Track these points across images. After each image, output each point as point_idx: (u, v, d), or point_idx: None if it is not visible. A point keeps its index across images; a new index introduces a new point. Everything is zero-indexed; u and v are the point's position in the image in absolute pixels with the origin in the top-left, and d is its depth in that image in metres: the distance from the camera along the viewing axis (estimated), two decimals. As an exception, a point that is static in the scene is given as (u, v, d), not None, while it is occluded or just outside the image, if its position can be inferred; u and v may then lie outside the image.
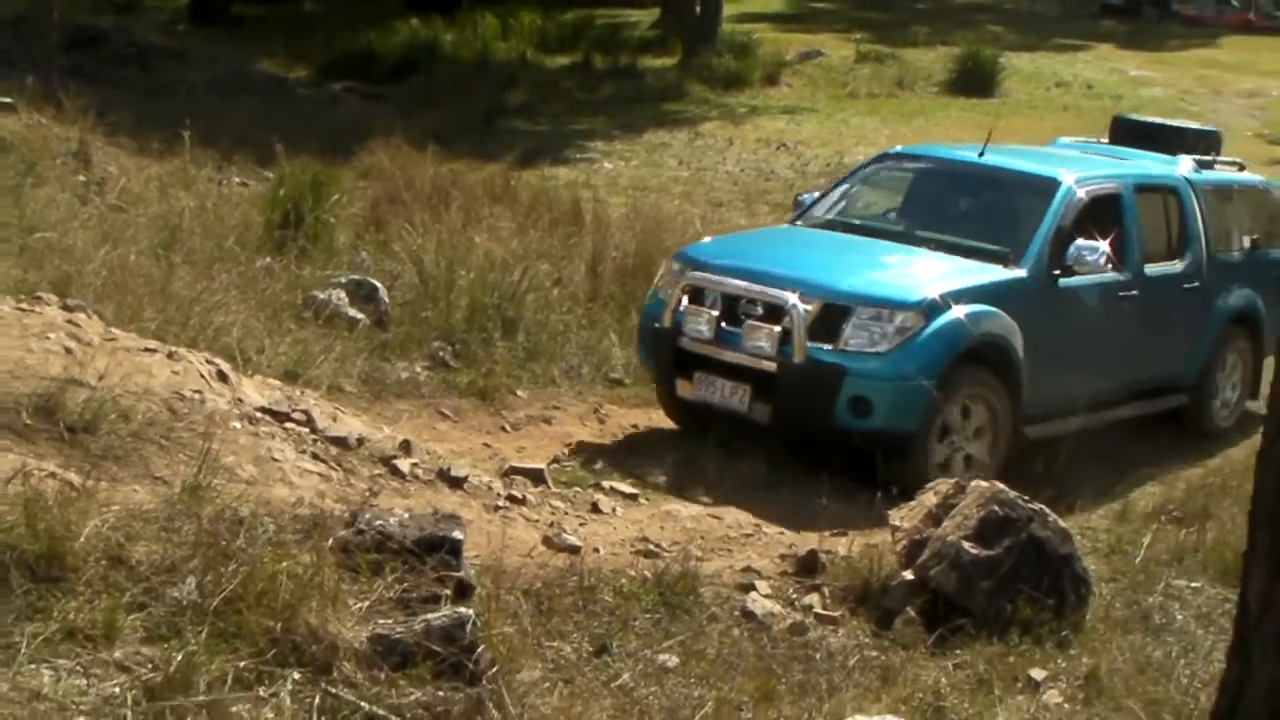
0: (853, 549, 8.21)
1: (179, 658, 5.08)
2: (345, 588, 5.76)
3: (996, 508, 7.93)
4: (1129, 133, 14.77)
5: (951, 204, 12.85)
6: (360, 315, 11.62)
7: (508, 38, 35.14)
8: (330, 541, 5.95)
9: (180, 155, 15.37)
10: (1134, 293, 12.31)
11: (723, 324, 10.78)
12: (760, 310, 10.70)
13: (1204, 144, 14.56)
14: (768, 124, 27.50)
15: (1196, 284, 13.22)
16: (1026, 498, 8.12)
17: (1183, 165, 13.67)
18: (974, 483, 8.34)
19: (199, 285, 10.67)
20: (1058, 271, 11.44)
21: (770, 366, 10.51)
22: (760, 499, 9.73)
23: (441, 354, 11.49)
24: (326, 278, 12.19)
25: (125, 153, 16.56)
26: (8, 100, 17.25)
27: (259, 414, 7.84)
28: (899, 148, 14.58)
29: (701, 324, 10.88)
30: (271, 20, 39.25)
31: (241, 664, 5.22)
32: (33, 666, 4.93)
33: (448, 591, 6.04)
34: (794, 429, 10.70)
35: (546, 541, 7.83)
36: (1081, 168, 12.78)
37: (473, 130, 24.71)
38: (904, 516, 8.25)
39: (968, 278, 11.09)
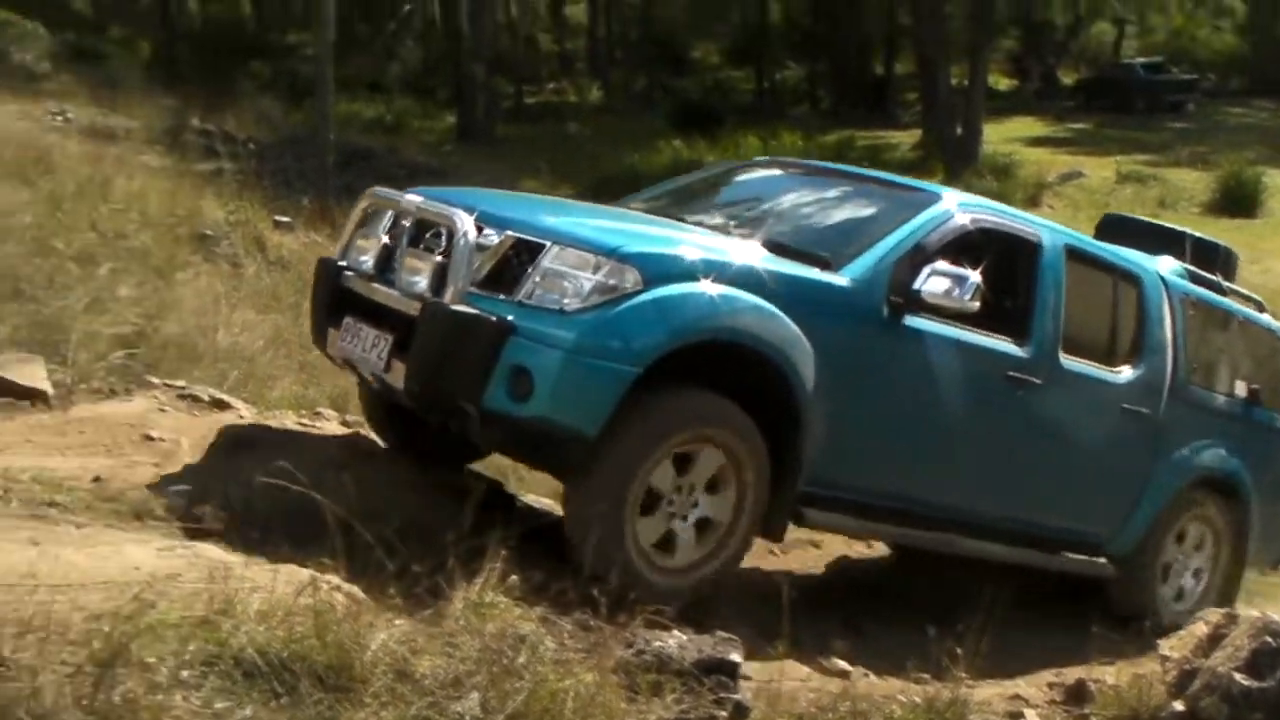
0: (1121, 678, 8.00)
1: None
2: (625, 707, 5.74)
3: (1269, 639, 7.58)
4: (1117, 232, 11.65)
5: (797, 206, 9.72)
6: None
7: (769, 158, 35.31)
8: (611, 662, 5.95)
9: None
10: (1034, 380, 9.15)
11: (391, 255, 8.13)
12: (429, 237, 7.90)
13: (1207, 257, 11.62)
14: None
15: (1144, 411, 10.06)
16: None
17: (1161, 263, 10.68)
18: (1247, 613, 8.00)
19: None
20: (900, 299, 8.33)
21: (416, 310, 7.59)
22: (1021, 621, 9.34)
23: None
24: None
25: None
26: (286, 219, 17.76)
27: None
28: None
29: (367, 253, 8.31)
30: (536, 140, 40.04)
31: (524, 780, 5.22)
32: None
33: (724, 713, 6.05)
34: (432, 402, 7.64)
35: (818, 667, 7.77)
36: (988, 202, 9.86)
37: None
38: (1173, 646, 8.03)
39: (739, 255, 7.93)
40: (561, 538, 7.49)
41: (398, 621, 5.80)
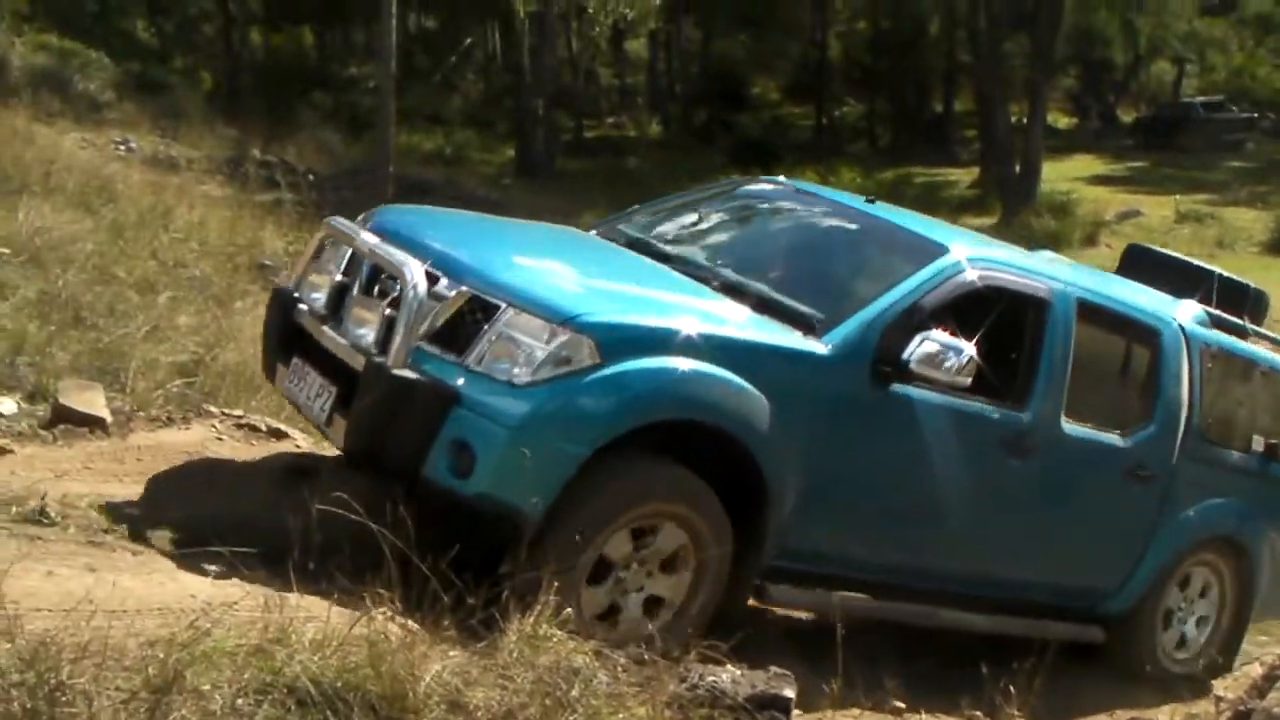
0: (1175, 719, 7.97)
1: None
2: (678, 742, 5.74)
3: (1324, 679, 7.61)
4: (1140, 264, 11.13)
5: (791, 248, 9.20)
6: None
7: (826, 195, 35.31)
8: (664, 696, 5.94)
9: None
10: (1030, 447, 8.65)
11: (344, 295, 7.62)
12: (384, 279, 7.43)
13: (1234, 298, 10.74)
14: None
15: (1150, 473, 9.45)
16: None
17: (1182, 310, 9.93)
18: (1300, 654, 7.97)
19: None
20: (888, 368, 7.79)
21: (360, 365, 7.11)
22: (1074, 661, 9.21)
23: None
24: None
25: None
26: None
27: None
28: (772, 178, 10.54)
29: (321, 289, 7.81)
30: (595, 174, 40.17)
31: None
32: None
33: (776, 747, 6.01)
34: (370, 466, 7.14)
35: (872, 703, 7.73)
36: (997, 249, 9.26)
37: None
38: (1228, 687, 8.06)
39: (714, 325, 7.32)
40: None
41: (452, 653, 5.78)
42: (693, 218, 9.62)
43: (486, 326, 6.84)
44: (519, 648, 6.03)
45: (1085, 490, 9.23)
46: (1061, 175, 45.40)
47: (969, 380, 7.85)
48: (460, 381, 6.75)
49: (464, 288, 7.04)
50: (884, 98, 65.68)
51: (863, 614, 8.06)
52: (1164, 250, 12.54)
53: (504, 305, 6.87)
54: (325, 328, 7.53)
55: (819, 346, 7.63)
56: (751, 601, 7.90)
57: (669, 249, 8.76)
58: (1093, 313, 9.12)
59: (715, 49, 68.64)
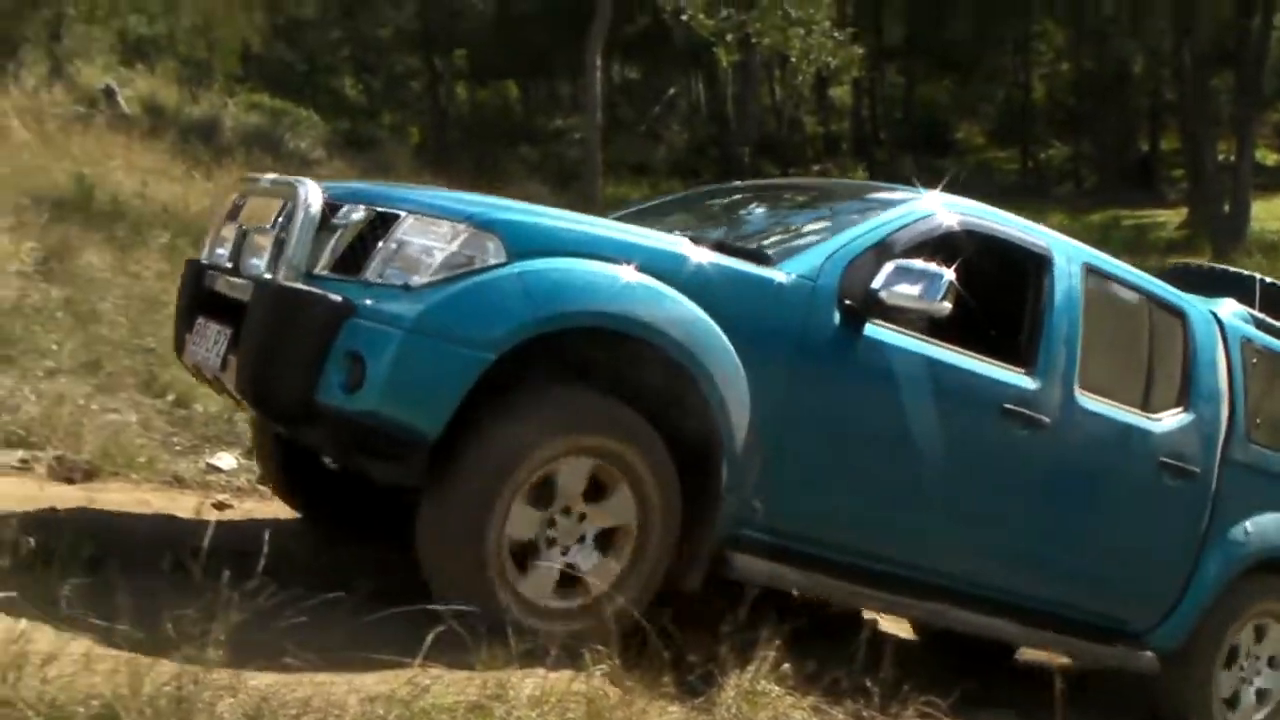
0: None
1: None
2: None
3: None
4: (1178, 282, 9.58)
5: (765, 214, 8.69)
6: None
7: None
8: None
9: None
10: (1041, 418, 7.73)
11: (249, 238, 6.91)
12: (275, 215, 6.73)
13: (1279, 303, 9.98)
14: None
15: (1191, 469, 8.49)
16: None
17: (1221, 306, 9.24)
18: None
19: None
20: (856, 303, 7.00)
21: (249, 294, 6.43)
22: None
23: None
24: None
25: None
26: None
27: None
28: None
29: (226, 244, 7.11)
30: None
31: None
32: None
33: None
34: (264, 401, 6.41)
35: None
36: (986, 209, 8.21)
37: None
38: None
39: (646, 239, 6.74)
40: (828, 626, 7.31)
41: (670, 709, 5.76)
42: (672, 207, 9.10)
43: (385, 239, 6.20)
44: (737, 703, 5.99)
45: (1113, 475, 8.26)
46: (1271, 214, 44.42)
47: (948, 307, 6.97)
48: (355, 294, 6.07)
49: (363, 208, 6.40)
50: (1089, 139, 64.80)
51: (846, 600, 7.40)
52: (1202, 263, 12.39)
53: (404, 214, 6.26)
54: (227, 277, 6.84)
55: (776, 274, 6.87)
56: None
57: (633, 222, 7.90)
58: (1104, 280, 8.40)
59: (919, 94, 68.27)
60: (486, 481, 6.04)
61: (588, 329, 6.26)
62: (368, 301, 6.01)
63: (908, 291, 6.94)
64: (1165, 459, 8.37)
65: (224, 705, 4.69)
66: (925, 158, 62.86)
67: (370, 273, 6.14)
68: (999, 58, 67.84)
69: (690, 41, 34.00)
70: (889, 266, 7.02)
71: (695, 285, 6.53)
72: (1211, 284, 10.03)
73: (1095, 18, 59.74)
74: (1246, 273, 10.83)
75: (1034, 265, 8.03)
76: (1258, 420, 9.04)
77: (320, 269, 6.29)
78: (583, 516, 6.40)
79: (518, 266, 6.10)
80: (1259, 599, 9.03)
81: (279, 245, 6.41)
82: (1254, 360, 9.16)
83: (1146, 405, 8.45)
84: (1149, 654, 8.59)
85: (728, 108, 50.51)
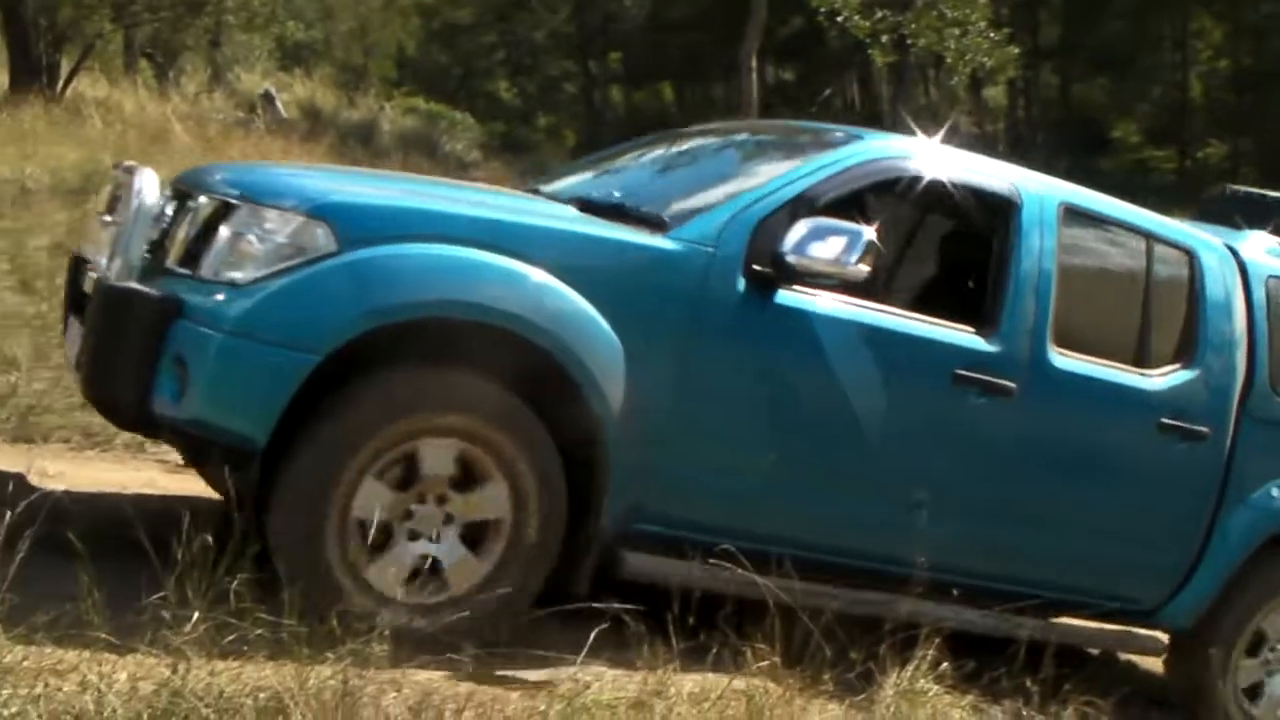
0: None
1: None
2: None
3: None
4: (1221, 211, 9.19)
5: (696, 166, 7.73)
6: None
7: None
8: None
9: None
10: (1004, 383, 6.93)
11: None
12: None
13: None
14: None
15: (1200, 429, 7.59)
16: None
17: (1245, 241, 8.28)
18: None
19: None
20: (767, 269, 6.33)
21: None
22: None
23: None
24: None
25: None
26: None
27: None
28: None
29: (102, 241, 6.42)
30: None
31: None
32: None
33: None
34: (107, 410, 6.10)
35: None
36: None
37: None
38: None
39: (502, 212, 6.17)
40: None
41: (830, 706, 5.74)
42: (600, 162, 8.30)
43: (221, 228, 5.76)
44: (896, 702, 5.94)
45: (1099, 442, 7.44)
46: None
47: (865, 270, 6.30)
48: (187, 292, 5.64)
49: (205, 197, 5.99)
50: (1248, 136, 63.83)
51: (777, 595, 6.06)
52: (1238, 188, 10.93)
53: (239, 203, 5.79)
54: (90, 274, 6.29)
55: (665, 242, 6.25)
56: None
57: (539, 186, 7.62)
58: (1088, 222, 7.58)
59: (1074, 94, 67.59)
60: (326, 454, 5.56)
61: (435, 319, 5.74)
62: (195, 301, 5.59)
63: (821, 254, 6.26)
64: (1166, 420, 7.48)
65: (388, 700, 4.74)
66: (1081, 158, 62.26)
67: (205, 268, 5.71)
68: (1155, 55, 66.99)
69: (845, 42, 33.83)
70: (799, 226, 6.31)
71: (565, 260, 5.95)
72: (1260, 212, 9.12)
73: (1254, 14, 58.79)
74: None
75: (998, 212, 7.22)
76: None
77: (171, 263, 5.92)
78: (444, 502, 5.84)
79: (348, 256, 5.59)
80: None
81: (116, 240, 6.03)
82: None
83: (1142, 360, 7.55)
84: (1156, 635, 7.94)
85: (883, 108, 50.16)
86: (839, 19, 30.23)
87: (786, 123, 8.68)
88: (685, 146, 8.09)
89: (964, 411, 6.90)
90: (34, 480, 6.36)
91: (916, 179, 7.12)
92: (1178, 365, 7.62)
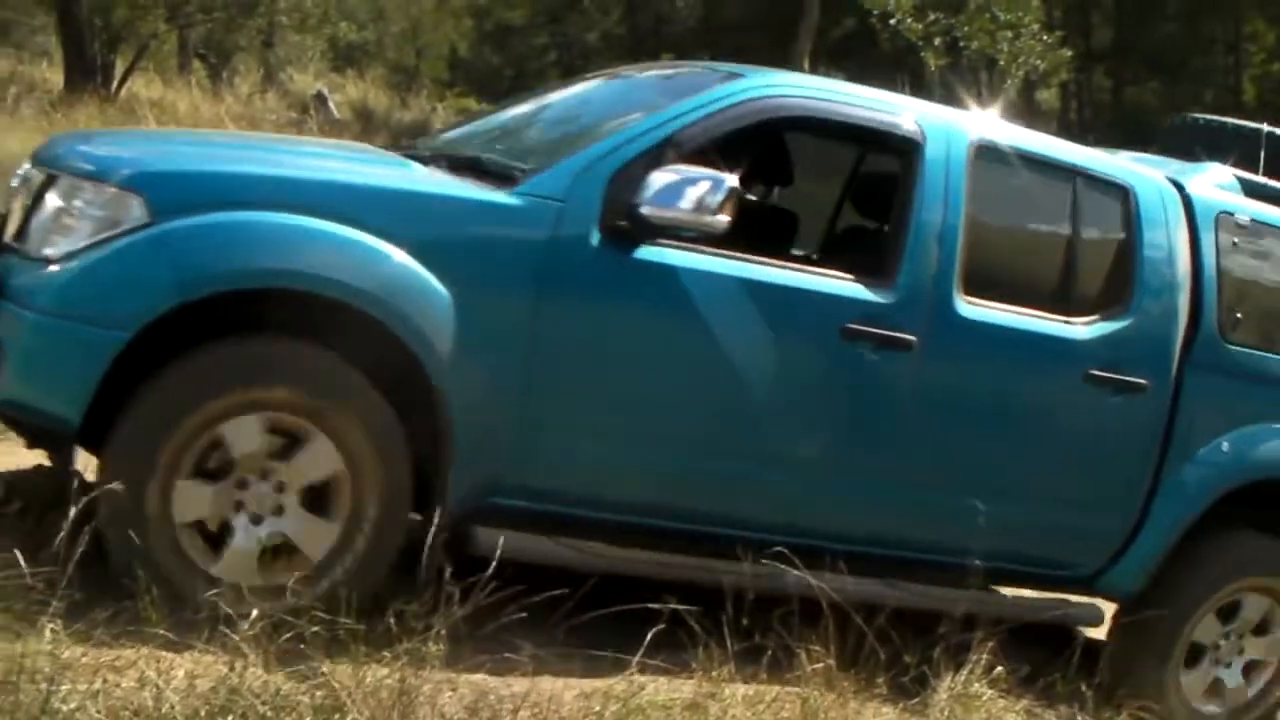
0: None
1: None
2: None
3: None
4: (1182, 139, 8.73)
5: (570, 114, 7.26)
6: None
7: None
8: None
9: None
10: (901, 336, 6.41)
11: None
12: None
13: None
14: None
15: (1140, 382, 6.98)
16: None
17: (1201, 175, 7.64)
18: None
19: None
20: (624, 222, 5.90)
21: None
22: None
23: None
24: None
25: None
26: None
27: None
28: None
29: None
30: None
31: None
32: None
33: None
34: None
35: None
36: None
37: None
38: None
39: (330, 174, 5.85)
40: (1043, 630, 7.03)
41: (884, 709, 5.75)
42: (504, 112, 7.81)
43: (45, 202, 5.60)
44: (950, 705, 5.94)
45: (1016, 398, 6.88)
46: None
47: (724, 220, 5.88)
48: (11, 268, 5.51)
49: (37, 170, 5.85)
50: (1306, 142, 63.61)
51: (647, 571, 6.02)
52: (1199, 115, 10.28)
53: (60, 175, 5.64)
54: None
55: (507, 197, 5.88)
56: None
57: (428, 143, 7.22)
58: (1006, 160, 6.95)
59: (1126, 97, 67.34)
60: (131, 467, 5.28)
61: (252, 290, 5.44)
62: (14, 278, 5.44)
63: (677, 204, 5.84)
64: (1096, 371, 6.87)
65: (444, 699, 4.76)
66: (1134, 161, 61.97)
67: (31, 244, 5.55)
68: (1208, 59, 66.70)
69: (897, 45, 33.76)
70: (655, 176, 5.86)
71: (398, 222, 5.66)
72: (1221, 141, 8.56)
73: (1309, 17, 58.61)
74: (1254, 125, 9.14)
75: (899, 151, 6.74)
76: (1238, 315, 7.32)
77: (8, 239, 5.75)
78: (271, 476, 5.57)
79: (159, 227, 5.32)
80: (1256, 568, 7.41)
81: None
82: (1235, 240, 7.41)
83: (1067, 308, 6.92)
84: (1094, 605, 7.26)
85: (932, 110, 50.12)
86: (892, 21, 30.14)
87: (677, 63, 8.26)
88: (567, 94, 7.66)
89: (857, 368, 6.39)
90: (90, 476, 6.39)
91: (804, 119, 6.77)
92: (1109, 312, 6.99)
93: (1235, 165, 7.95)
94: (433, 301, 5.60)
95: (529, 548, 5.79)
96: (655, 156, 5.96)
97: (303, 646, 4.77)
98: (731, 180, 5.85)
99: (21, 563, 4.64)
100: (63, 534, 4.63)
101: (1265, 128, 8.85)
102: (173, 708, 4.35)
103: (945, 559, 6.60)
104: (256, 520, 5.51)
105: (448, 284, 5.63)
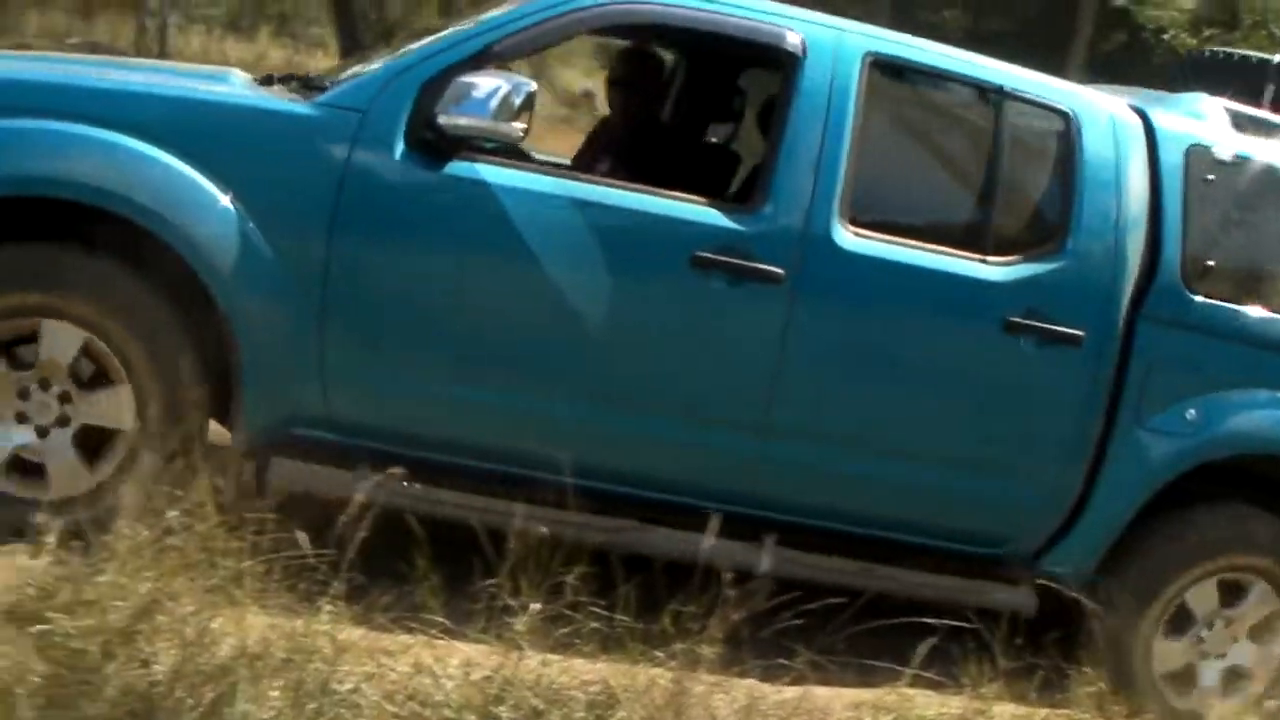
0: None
1: None
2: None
3: None
4: (1194, 74, 7.69)
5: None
6: None
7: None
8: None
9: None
10: (767, 269, 5.73)
11: None
12: None
13: None
14: None
15: (1075, 333, 6.06)
16: None
17: (1176, 105, 6.70)
18: None
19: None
20: (430, 134, 5.51)
21: None
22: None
23: None
24: None
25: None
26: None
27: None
28: None
29: None
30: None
31: None
32: None
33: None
34: None
35: None
36: None
37: None
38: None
39: (111, 82, 5.60)
40: None
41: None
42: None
43: None
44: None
45: (910, 343, 6.05)
46: None
47: (519, 128, 5.48)
48: None
49: None
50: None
51: (449, 514, 5.52)
52: (1219, 49, 9.16)
53: None
54: None
55: (300, 107, 5.56)
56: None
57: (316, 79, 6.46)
58: (912, 80, 6.30)
59: None
60: None
61: (28, 198, 5.26)
62: None
63: (475, 112, 5.43)
64: (1016, 318, 6.00)
65: (717, 700, 4.74)
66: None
67: None
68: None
69: (1170, 60, 33.06)
70: (454, 85, 5.45)
71: (176, 130, 5.35)
72: (1226, 74, 7.57)
73: None
74: (1263, 56, 8.12)
75: (775, 65, 6.10)
76: (1209, 262, 6.34)
77: None
78: (67, 401, 5.43)
79: None
80: (1233, 546, 6.45)
81: None
82: (1209, 176, 6.39)
83: (980, 245, 6.08)
84: (1023, 590, 6.24)
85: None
86: (1165, 36, 29.49)
87: None
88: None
89: (711, 302, 5.75)
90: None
91: (658, 26, 6.13)
92: (1036, 252, 6.11)
93: (1236, 98, 6.96)
94: (214, 215, 5.32)
95: (320, 481, 5.40)
96: (472, 66, 5.56)
97: (578, 642, 4.77)
98: (529, 85, 5.48)
99: (305, 544, 4.69)
100: (345, 517, 4.67)
101: (1276, 58, 7.87)
102: (447, 695, 4.39)
103: (825, 524, 6.03)
104: (24, 420, 5.41)
105: (235, 198, 5.36)
